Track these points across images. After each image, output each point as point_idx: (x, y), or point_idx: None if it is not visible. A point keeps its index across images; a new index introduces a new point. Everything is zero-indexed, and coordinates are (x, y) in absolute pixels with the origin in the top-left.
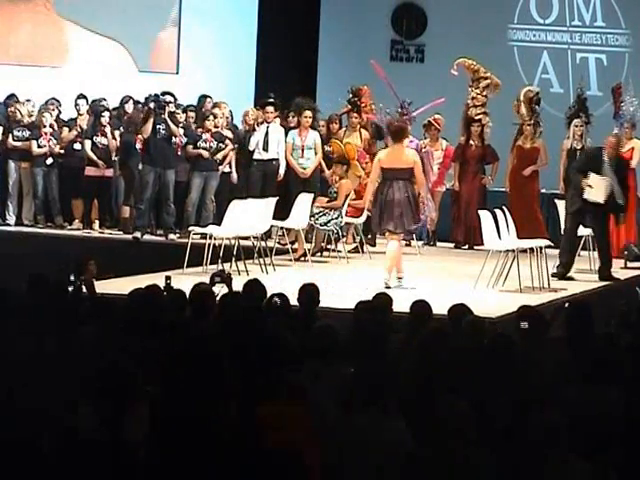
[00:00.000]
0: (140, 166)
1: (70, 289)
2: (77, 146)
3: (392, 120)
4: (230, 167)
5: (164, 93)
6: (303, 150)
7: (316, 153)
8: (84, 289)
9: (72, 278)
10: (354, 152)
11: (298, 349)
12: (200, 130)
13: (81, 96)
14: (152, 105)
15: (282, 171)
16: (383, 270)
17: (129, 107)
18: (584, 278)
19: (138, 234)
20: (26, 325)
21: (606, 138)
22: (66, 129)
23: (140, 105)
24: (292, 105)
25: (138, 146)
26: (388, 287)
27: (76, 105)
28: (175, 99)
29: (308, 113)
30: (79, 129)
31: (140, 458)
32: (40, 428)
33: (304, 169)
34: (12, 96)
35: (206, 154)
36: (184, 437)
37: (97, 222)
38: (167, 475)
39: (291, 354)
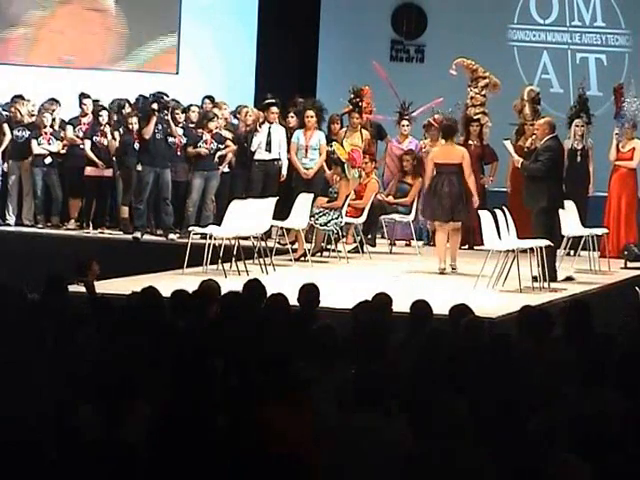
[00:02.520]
0: (140, 167)
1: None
2: (82, 145)
3: (443, 119)
4: (229, 167)
5: (158, 93)
6: (307, 150)
7: (320, 154)
8: (86, 289)
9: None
10: (344, 153)
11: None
12: (200, 131)
13: (86, 95)
14: (155, 106)
15: (284, 171)
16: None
17: (126, 111)
18: (584, 278)
19: (138, 234)
20: (28, 324)
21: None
22: (70, 127)
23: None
24: (298, 105)
25: (136, 146)
26: (443, 272)
27: (82, 104)
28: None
29: (309, 113)
30: (84, 129)
31: (140, 458)
32: (40, 428)
33: (307, 169)
34: (19, 97)
35: (204, 151)
36: (184, 437)
37: (91, 224)
38: (167, 475)
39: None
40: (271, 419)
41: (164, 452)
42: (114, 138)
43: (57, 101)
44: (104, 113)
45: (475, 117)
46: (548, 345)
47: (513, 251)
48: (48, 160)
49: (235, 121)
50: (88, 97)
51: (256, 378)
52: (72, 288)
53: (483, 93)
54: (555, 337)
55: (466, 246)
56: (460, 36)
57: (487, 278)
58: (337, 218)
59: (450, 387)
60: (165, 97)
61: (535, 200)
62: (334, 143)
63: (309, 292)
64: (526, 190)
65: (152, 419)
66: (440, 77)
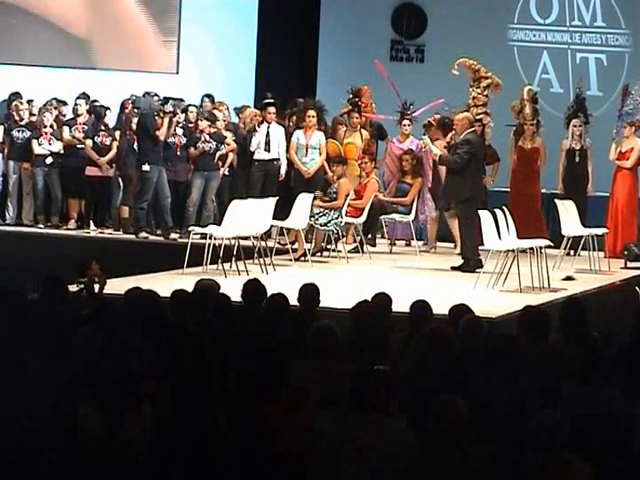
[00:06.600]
0: (147, 167)
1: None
2: (80, 145)
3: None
4: (230, 168)
5: (147, 93)
6: (307, 149)
7: (320, 153)
8: (86, 290)
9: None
10: (353, 152)
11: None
12: (200, 130)
13: (82, 96)
14: (171, 108)
15: (283, 171)
16: None
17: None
18: (584, 278)
19: (145, 234)
20: (27, 324)
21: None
22: (66, 128)
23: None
24: (298, 105)
25: (135, 146)
26: None
27: (75, 105)
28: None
29: (311, 113)
30: (80, 129)
31: (140, 458)
32: (40, 428)
33: (307, 169)
34: (16, 94)
35: (207, 146)
36: (184, 437)
37: (92, 224)
38: (167, 475)
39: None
40: (271, 420)
41: (164, 452)
42: (114, 138)
43: (62, 101)
44: (109, 113)
45: (477, 117)
46: (549, 345)
47: (513, 251)
48: (49, 160)
49: (236, 120)
50: (82, 98)
51: (256, 378)
52: (72, 288)
53: (485, 93)
54: (556, 337)
55: None
56: (460, 36)
57: (487, 278)
58: (337, 218)
59: (450, 387)
60: (157, 96)
61: (454, 193)
62: (330, 141)
63: (309, 292)
64: (445, 184)
65: (152, 419)
66: (440, 77)
